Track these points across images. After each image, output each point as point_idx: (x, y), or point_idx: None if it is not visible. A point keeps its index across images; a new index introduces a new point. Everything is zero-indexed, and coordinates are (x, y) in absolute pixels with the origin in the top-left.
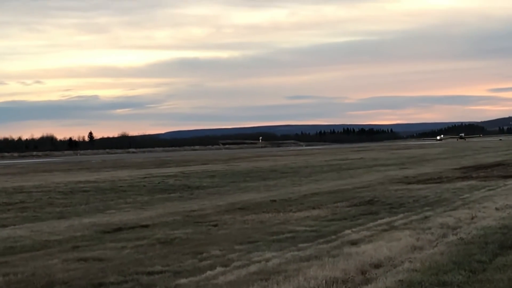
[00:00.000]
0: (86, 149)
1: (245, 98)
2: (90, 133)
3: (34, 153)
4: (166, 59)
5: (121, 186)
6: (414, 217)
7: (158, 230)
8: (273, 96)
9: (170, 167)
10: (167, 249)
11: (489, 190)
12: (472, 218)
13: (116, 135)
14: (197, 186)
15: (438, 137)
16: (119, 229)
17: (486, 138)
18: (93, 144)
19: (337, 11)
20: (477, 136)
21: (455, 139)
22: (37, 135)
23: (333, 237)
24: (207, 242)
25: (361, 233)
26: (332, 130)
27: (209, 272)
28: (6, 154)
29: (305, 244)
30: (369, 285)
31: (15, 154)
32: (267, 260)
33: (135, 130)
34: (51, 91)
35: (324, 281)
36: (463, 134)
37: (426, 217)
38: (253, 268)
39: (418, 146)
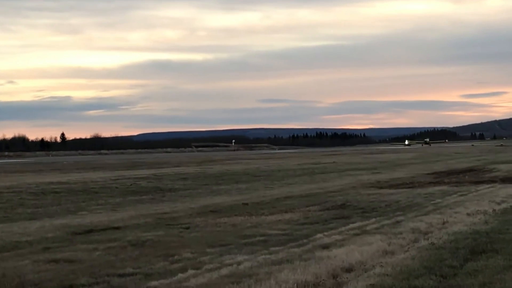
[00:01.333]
0: (58, 150)
1: (219, 101)
2: (63, 134)
3: (6, 153)
4: (139, 61)
5: (93, 188)
6: (386, 222)
7: (129, 232)
8: (246, 99)
9: (142, 169)
10: (139, 251)
11: (461, 195)
12: (444, 223)
13: (88, 137)
14: (169, 188)
15: (406, 142)
16: (90, 231)
17: (452, 144)
18: (65, 145)
19: (310, 15)
20: (442, 142)
21: (420, 144)
22: (9, 135)
23: (305, 240)
24: (178, 245)
25: (332, 237)
26: (305, 134)
27: (180, 275)
28: None
29: (276, 248)
30: None
31: None
32: (239, 263)
33: (107, 131)
34: (24, 91)
35: (295, 284)
36: (428, 139)
37: (397, 222)
38: (224, 271)
39: (390, 150)
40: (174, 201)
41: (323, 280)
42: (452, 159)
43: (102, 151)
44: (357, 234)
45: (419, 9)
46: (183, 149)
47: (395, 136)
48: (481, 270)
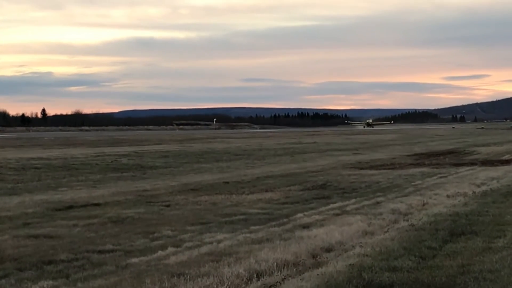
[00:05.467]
0: (38, 125)
1: (201, 79)
2: (43, 110)
3: None
4: (121, 38)
5: (73, 164)
6: (366, 202)
7: (110, 209)
8: (228, 78)
9: (123, 146)
10: (119, 228)
11: (441, 177)
12: (424, 205)
13: (69, 113)
14: (150, 166)
15: (368, 121)
16: (70, 207)
17: (396, 126)
18: (46, 121)
19: None
20: (387, 123)
21: (362, 126)
22: None
23: (285, 220)
24: (159, 222)
25: (313, 217)
26: (286, 114)
27: (160, 252)
28: None
29: (257, 227)
30: (320, 269)
31: None
32: (219, 241)
33: (88, 108)
34: (5, 66)
35: (275, 263)
36: (370, 121)
37: (377, 203)
38: (204, 249)
39: (369, 132)
40: (155, 179)
41: (303, 259)
42: (432, 141)
43: (83, 128)
44: (337, 214)
45: None
46: (164, 127)
47: (377, 117)
48: (460, 252)
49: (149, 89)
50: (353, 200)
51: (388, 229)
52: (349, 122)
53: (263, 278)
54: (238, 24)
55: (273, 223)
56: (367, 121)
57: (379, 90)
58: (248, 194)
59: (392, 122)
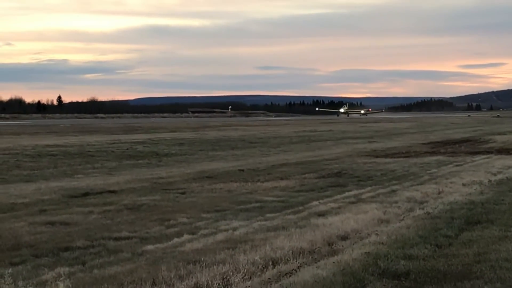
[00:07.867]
0: (54, 113)
1: (216, 67)
2: (59, 97)
3: (2, 115)
4: (137, 25)
5: (89, 151)
6: (382, 191)
7: (125, 196)
8: (243, 66)
9: (138, 133)
10: (134, 215)
11: (457, 165)
12: (439, 193)
13: (85, 100)
14: (166, 153)
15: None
16: (86, 194)
17: (388, 115)
18: (61, 108)
19: None
20: (379, 112)
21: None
22: (5, 97)
23: (301, 208)
24: (174, 210)
25: (328, 205)
26: (301, 102)
27: (176, 239)
28: None
29: (272, 214)
30: (336, 257)
31: None
32: (234, 229)
33: (104, 95)
34: (21, 53)
35: (290, 251)
36: (342, 110)
37: (393, 191)
38: (220, 236)
39: (384, 120)
40: (170, 166)
41: (319, 247)
42: (448, 129)
43: (99, 115)
44: (353, 202)
45: None
46: (179, 114)
47: (392, 105)
48: (476, 240)
49: (165, 76)
50: (368, 188)
51: (404, 217)
52: (320, 109)
53: (279, 265)
54: (253, 12)
55: (289, 210)
56: (340, 109)
57: (394, 78)
58: (263, 182)
59: (383, 110)
